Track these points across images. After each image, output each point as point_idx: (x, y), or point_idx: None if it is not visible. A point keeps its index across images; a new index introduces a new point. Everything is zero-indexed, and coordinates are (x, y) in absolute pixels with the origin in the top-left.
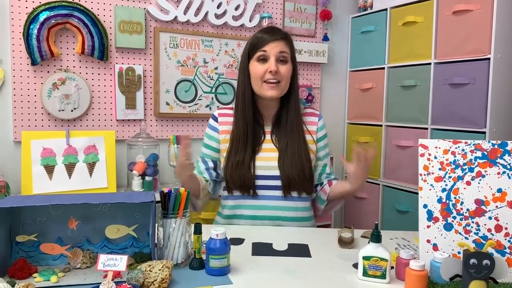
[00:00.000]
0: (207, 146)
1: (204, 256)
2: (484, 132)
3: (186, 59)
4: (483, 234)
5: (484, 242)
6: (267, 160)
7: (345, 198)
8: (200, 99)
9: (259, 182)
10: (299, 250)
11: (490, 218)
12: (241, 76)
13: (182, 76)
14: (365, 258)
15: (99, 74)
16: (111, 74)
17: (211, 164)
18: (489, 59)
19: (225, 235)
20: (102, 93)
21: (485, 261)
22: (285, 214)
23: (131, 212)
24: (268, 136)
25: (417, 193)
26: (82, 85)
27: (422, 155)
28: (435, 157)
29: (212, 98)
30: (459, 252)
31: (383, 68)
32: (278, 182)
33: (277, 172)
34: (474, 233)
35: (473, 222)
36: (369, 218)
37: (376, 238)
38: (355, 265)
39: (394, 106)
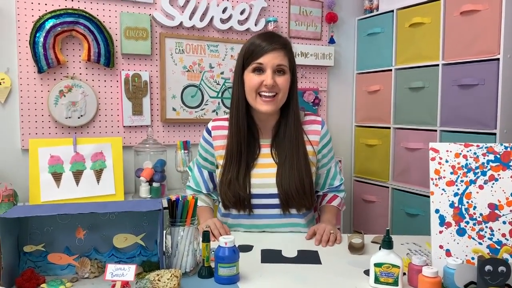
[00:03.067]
0: (203, 158)
1: (213, 264)
2: (495, 134)
3: (192, 64)
4: (497, 239)
5: (499, 247)
6: (264, 176)
7: None
8: (207, 104)
9: (255, 201)
10: (308, 257)
11: (504, 222)
12: (235, 86)
13: (188, 81)
14: (377, 265)
15: (105, 81)
16: (117, 81)
17: (206, 176)
18: (498, 59)
19: (233, 243)
20: (108, 99)
21: (501, 268)
22: (292, 230)
23: (138, 220)
24: (266, 150)
25: (427, 196)
26: (89, 92)
27: (433, 159)
28: (447, 161)
29: (219, 103)
30: (472, 258)
31: (391, 70)
32: (276, 200)
33: (274, 190)
34: (488, 238)
35: (486, 227)
36: (378, 221)
37: (387, 244)
38: (367, 272)
39: (402, 108)
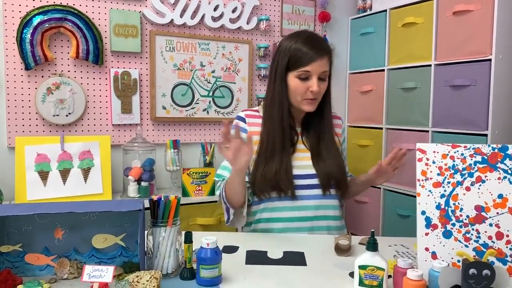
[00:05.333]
0: None
1: (195, 266)
2: (486, 135)
3: (183, 63)
4: (484, 241)
5: (485, 250)
6: (301, 159)
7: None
8: (197, 103)
9: (297, 182)
10: (294, 258)
11: (490, 225)
12: (278, 85)
13: (179, 79)
14: (361, 267)
15: (94, 78)
16: (106, 78)
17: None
18: (490, 60)
19: (216, 244)
20: (97, 97)
21: (485, 271)
22: (324, 213)
23: (120, 220)
24: (299, 137)
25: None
26: (77, 90)
27: (420, 159)
28: (434, 162)
29: (210, 102)
30: (458, 261)
31: (383, 70)
32: (315, 181)
33: (312, 171)
34: (474, 240)
35: (473, 229)
36: (370, 222)
37: (372, 246)
38: (352, 274)
39: (394, 109)
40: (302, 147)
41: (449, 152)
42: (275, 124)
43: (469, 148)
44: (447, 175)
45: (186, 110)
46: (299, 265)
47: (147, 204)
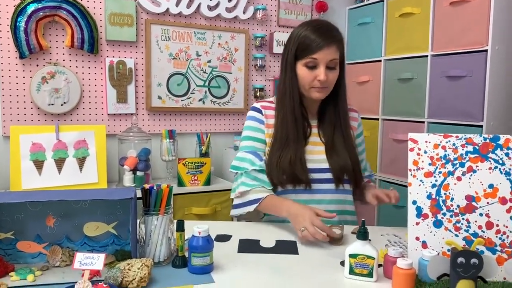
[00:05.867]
0: (256, 139)
1: (187, 254)
2: (482, 126)
3: (179, 52)
4: (474, 231)
5: (474, 239)
6: (315, 153)
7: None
8: (193, 93)
9: (312, 175)
10: (286, 247)
11: (481, 214)
12: (288, 74)
13: (175, 69)
14: (352, 256)
15: (89, 67)
16: (101, 68)
17: (263, 157)
18: (486, 51)
19: (207, 232)
20: (92, 87)
21: (473, 260)
22: (339, 207)
23: (112, 209)
24: (314, 130)
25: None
26: (72, 79)
27: (412, 149)
28: (425, 152)
29: (206, 92)
30: (448, 250)
31: (380, 61)
32: (328, 175)
33: (326, 165)
34: (465, 230)
35: (463, 219)
36: (366, 213)
37: (363, 235)
38: (343, 263)
39: (390, 100)
40: (317, 140)
41: (440, 142)
42: (287, 114)
43: (460, 138)
44: (438, 165)
45: (181, 100)
46: (291, 254)
47: (139, 193)
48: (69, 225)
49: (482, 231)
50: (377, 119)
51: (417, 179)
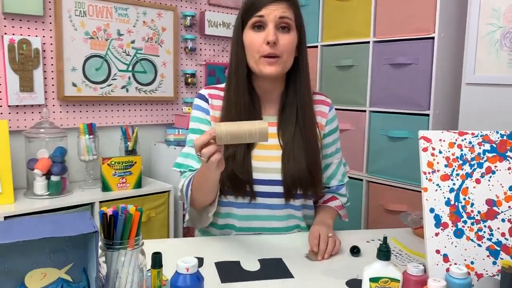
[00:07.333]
0: (201, 132)
1: None
2: (428, 115)
3: (96, 30)
4: (497, 239)
5: (499, 248)
6: (267, 160)
7: None
8: (115, 79)
9: (257, 188)
10: (275, 269)
11: (503, 220)
12: (234, 48)
13: (92, 51)
14: (373, 280)
15: None
16: None
17: None
18: (433, 38)
19: (197, 267)
20: None
21: None
22: (289, 224)
23: (58, 243)
24: (270, 129)
25: (353, 178)
26: None
27: (425, 149)
28: (440, 152)
29: (129, 78)
30: (472, 262)
31: (316, 47)
32: (279, 188)
33: (278, 176)
34: (487, 238)
35: (485, 226)
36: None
37: (385, 254)
38: (348, 283)
39: (328, 88)
40: (275, 143)
41: (456, 140)
42: (231, 99)
43: (477, 136)
44: (455, 166)
45: (101, 88)
46: (284, 277)
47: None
48: None
49: (505, 238)
50: None
51: (433, 183)
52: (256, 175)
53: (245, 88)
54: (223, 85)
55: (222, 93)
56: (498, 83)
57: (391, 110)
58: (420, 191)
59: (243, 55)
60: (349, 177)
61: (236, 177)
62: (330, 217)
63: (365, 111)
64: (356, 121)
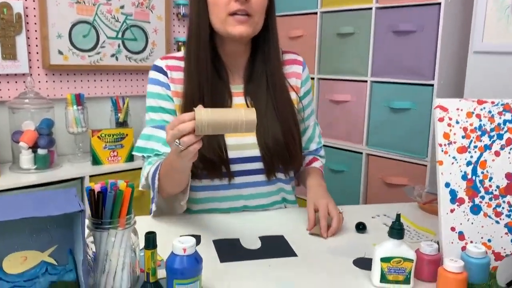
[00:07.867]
0: (164, 110)
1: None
2: (432, 85)
3: None
4: None
5: None
6: (241, 135)
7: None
8: (103, 47)
9: (235, 167)
10: (278, 247)
11: None
12: (195, 8)
13: (79, 16)
14: (384, 260)
15: None
16: None
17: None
18: (440, 4)
19: (195, 248)
20: None
21: None
22: (270, 200)
23: (39, 223)
24: (239, 100)
25: (352, 152)
26: None
27: (441, 119)
28: (457, 122)
29: (119, 45)
30: (489, 240)
31: (316, 14)
32: (259, 165)
33: (256, 152)
34: (506, 215)
35: (504, 201)
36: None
37: (398, 233)
38: (356, 262)
39: (328, 57)
40: None
41: (474, 109)
42: (191, 68)
43: (497, 104)
44: (473, 137)
45: (89, 56)
46: (288, 256)
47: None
48: None
49: None
50: (312, 79)
51: (449, 155)
52: (231, 154)
53: (207, 54)
54: (182, 53)
55: (182, 64)
56: (507, 51)
57: (393, 80)
58: (422, 165)
59: (205, 14)
60: (348, 150)
61: (211, 159)
62: (321, 178)
63: (366, 81)
64: (356, 92)
